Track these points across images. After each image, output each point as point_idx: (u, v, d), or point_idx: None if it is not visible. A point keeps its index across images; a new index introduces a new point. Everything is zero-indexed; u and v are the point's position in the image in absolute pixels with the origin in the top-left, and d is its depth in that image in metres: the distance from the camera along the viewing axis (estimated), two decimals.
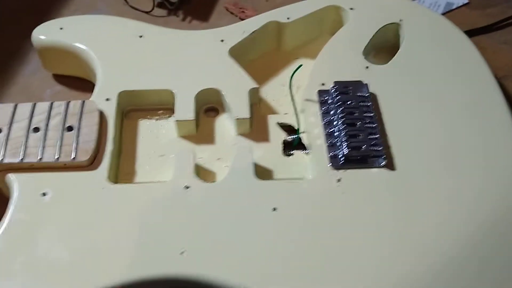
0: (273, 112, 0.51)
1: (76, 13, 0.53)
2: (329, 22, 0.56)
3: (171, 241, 0.39)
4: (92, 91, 0.53)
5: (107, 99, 0.47)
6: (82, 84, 0.54)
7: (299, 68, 0.47)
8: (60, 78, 0.56)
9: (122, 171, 0.45)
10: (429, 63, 0.51)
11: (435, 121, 0.47)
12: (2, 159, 0.42)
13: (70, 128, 0.44)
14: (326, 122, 0.46)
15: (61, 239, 0.39)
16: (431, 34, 0.54)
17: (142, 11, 0.62)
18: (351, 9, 0.54)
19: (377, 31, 0.53)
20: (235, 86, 0.48)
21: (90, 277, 0.38)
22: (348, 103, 0.46)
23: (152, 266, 0.38)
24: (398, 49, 0.53)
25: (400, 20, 0.54)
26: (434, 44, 0.53)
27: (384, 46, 0.54)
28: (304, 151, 0.47)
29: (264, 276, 0.38)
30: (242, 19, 0.61)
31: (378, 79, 0.49)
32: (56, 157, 0.42)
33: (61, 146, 0.43)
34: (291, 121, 0.49)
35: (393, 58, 0.51)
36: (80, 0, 0.64)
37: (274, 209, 0.41)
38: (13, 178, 0.42)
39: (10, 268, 0.38)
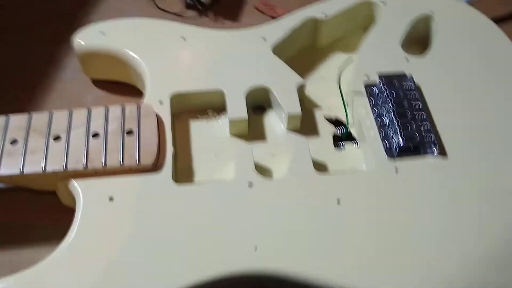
0: (317, 106, 0.52)
1: (105, 17, 0.53)
2: (362, 17, 0.57)
3: (243, 238, 0.40)
4: (133, 95, 0.54)
5: (160, 102, 0.47)
6: (122, 88, 0.55)
7: (349, 61, 0.48)
8: (99, 83, 0.56)
9: (182, 173, 0.46)
10: (464, 53, 0.53)
11: (476, 109, 0.49)
12: (65, 166, 0.42)
13: (130, 132, 0.44)
14: (377, 114, 0.47)
15: (133, 242, 0.40)
16: (462, 25, 0.55)
17: (173, 13, 0.62)
18: (383, 3, 0.56)
19: (410, 23, 0.55)
20: (283, 83, 0.49)
21: (164, 279, 0.38)
22: (396, 94, 0.48)
23: (227, 264, 0.39)
24: (428, 41, 0.55)
25: (431, 12, 0.55)
26: (467, 34, 0.55)
27: (415, 38, 0.56)
28: (355, 143, 0.48)
29: (334, 267, 0.40)
30: (273, 17, 0.62)
31: (420, 71, 0.51)
32: (120, 161, 0.43)
33: (123, 150, 0.43)
34: (337, 114, 0.50)
35: (431, 49, 0.53)
36: (107, 4, 0.64)
37: (338, 201, 0.42)
38: (77, 185, 0.42)
39: (84, 272, 0.38)
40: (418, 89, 0.49)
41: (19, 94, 0.54)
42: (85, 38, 0.52)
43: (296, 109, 0.48)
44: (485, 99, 0.50)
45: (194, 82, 0.49)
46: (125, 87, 0.54)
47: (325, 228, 0.41)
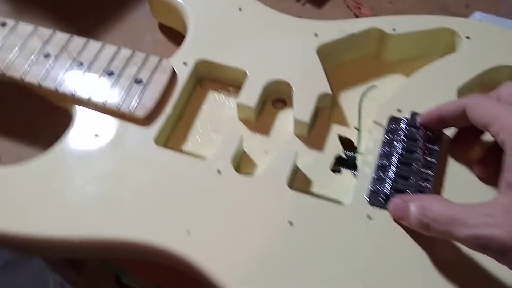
0: (342, 122, 0.48)
1: None
2: (441, 44, 0.51)
3: (184, 218, 0.41)
4: None
5: (185, 63, 0.48)
6: (181, 38, 0.56)
7: (372, 89, 0.44)
8: (165, 28, 0.58)
9: (174, 135, 0.47)
10: None
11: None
12: (73, 94, 0.46)
13: (139, 81, 0.46)
14: (383, 153, 0.43)
15: (93, 182, 0.42)
16: None
17: None
18: (467, 37, 0.49)
19: (487, 70, 0.47)
20: (307, 85, 0.47)
21: (97, 224, 0.41)
22: (414, 141, 0.43)
23: (156, 235, 0.40)
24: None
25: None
26: None
27: (493, 86, 0.48)
28: (354, 173, 0.45)
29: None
30: (356, 15, 0.58)
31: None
32: (118, 105, 0.45)
33: (125, 96, 0.45)
34: (355, 137, 0.47)
35: None
36: None
37: (290, 223, 0.40)
38: (77, 111, 0.46)
39: (43, 191, 0.42)
40: (446, 142, 0.43)
41: (90, 16, 0.59)
42: None
43: (305, 116, 0.45)
44: None
45: (225, 54, 0.49)
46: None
47: (261, 240, 0.40)
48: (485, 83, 0.48)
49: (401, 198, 0.39)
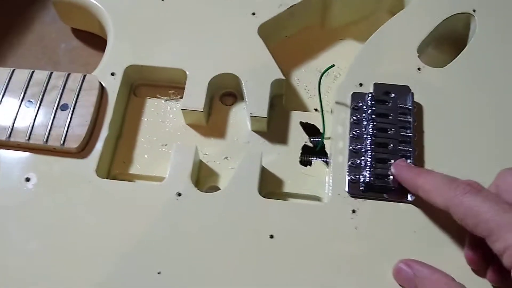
0: (300, 106, 0.44)
1: None
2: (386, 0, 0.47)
3: (151, 258, 0.35)
4: None
5: (112, 74, 0.42)
6: (101, 41, 0.49)
7: (330, 68, 0.39)
8: (79, 33, 0.51)
9: (118, 159, 0.41)
10: (502, 70, 0.41)
11: (498, 153, 0.38)
12: None
13: (64, 107, 0.40)
14: (354, 136, 0.39)
15: (34, 237, 0.36)
16: (510, 32, 0.43)
17: None
18: None
19: (443, 21, 0.43)
20: (257, 74, 0.41)
21: (50, 282, 0.35)
22: (384, 115, 0.39)
23: (125, 285, 0.35)
24: (465, 45, 0.43)
25: (474, 11, 0.43)
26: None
27: (449, 37, 0.45)
28: (325, 161, 0.41)
29: None
30: None
31: (430, 86, 0.41)
32: (44, 140, 0.38)
33: (51, 127, 0.39)
34: (318, 120, 0.42)
35: (454, 60, 0.42)
36: None
37: (271, 236, 0.36)
38: None
39: None
40: (419, 111, 0.40)
41: None
42: None
43: (261, 111, 0.40)
44: None
45: (157, 54, 0.43)
46: (104, 41, 0.49)
47: (247, 263, 0.35)
48: (443, 34, 0.44)
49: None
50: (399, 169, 0.36)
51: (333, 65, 0.39)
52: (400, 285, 0.34)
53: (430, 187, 0.33)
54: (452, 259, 0.35)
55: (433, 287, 0.32)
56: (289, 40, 0.47)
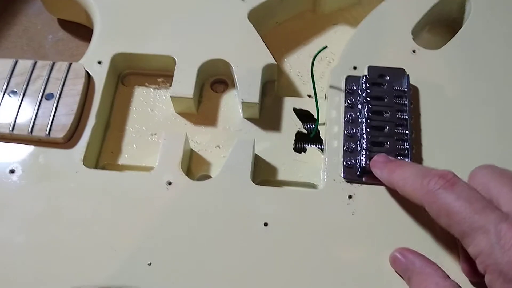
0: (293, 91, 0.43)
1: None
2: None
3: (141, 250, 0.34)
4: None
5: (99, 62, 0.41)
6: (89, 32, 0.48)
7: (323, 50, 0.38)
8: (65, 24, 0.49)
9: (106, 149, 0.40)
10: (497, 52, 0.41)
11: (494, 133, 0.37)
12: None
13: (49, 96, 0.38)
14: (348, 120, 0.38)
15: (21, 230, 0.35)
16: (504, 14, 0.42)
17: None
18: None
19: (438, 3, 0.42)
20: (248, 60, 0.40)
21: (40, 276, 0.33)
22: (380, 98, 0.38)
23: (115, 277, 0.33)
24: (460, 28, 0.42)
25: None
26: (508, 28, 0.42)
27: (443, 20, 0.44)
28: (320, 148, 0.39)
29: None
30: None
31: (426, 68, 0.40)
32: (29, 130, 0.37)
33: (35, 117, 0.37)
34: (311, 106, 0.41)
35: (449, 41, 0.41)
36: None
37: (265, 224, 0.35)
38: None
39: None
40: (415, 93, 0.39)
41: None
42: None
43: (253, 97, 0.39)
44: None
45: (145, 41, 0.42)
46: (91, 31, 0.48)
47: (240, 253, 0.34)
48: (437, 17, 0.43)
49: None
50: (374, 166, 0.35)
51: (326, 47, 0.38)
52: (397, 273, 0.33)
53: (403, 183, 0.32)
54: (450, 244, 0.34)
55: (423, 283, 0.31)
56: (281, 27, 0.46)
